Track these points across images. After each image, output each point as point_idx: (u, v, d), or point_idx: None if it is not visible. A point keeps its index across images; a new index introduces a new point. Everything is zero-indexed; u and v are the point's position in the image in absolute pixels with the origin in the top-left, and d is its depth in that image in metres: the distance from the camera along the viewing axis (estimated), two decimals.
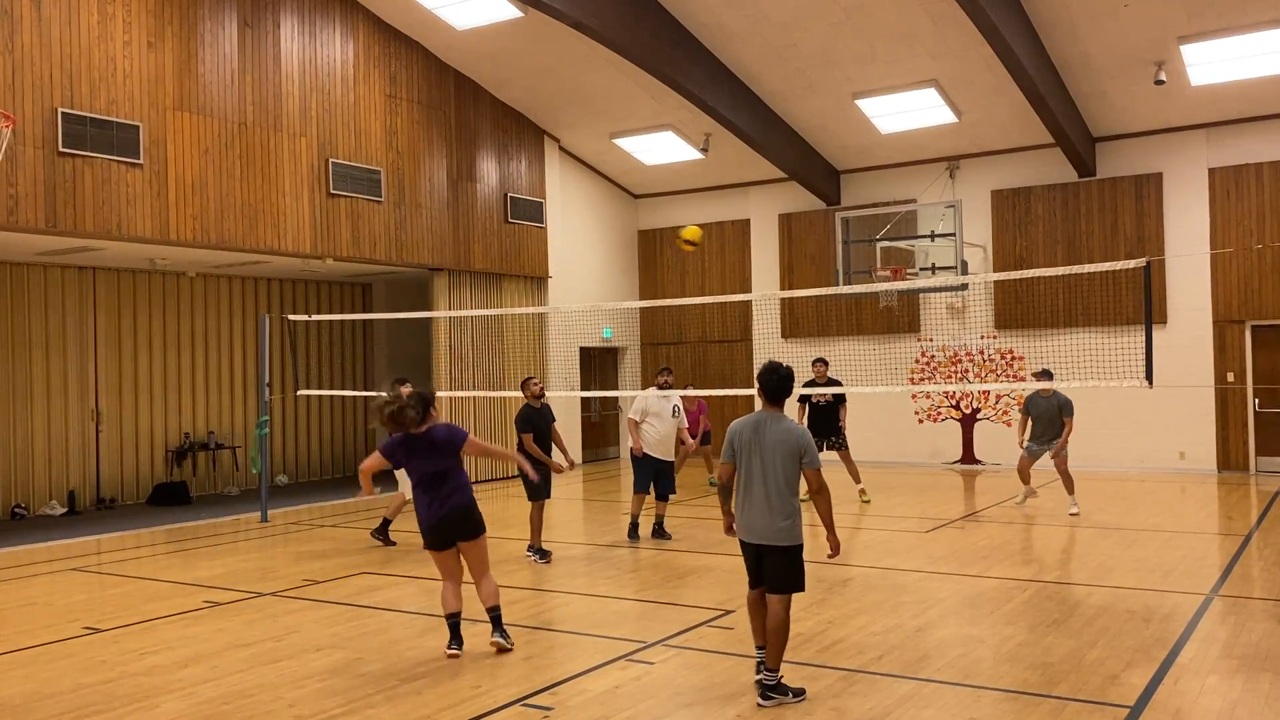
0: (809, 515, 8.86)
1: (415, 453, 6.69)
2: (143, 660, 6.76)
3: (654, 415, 11.06)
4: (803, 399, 13.10)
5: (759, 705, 5.60)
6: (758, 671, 5.82)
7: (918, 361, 17.83)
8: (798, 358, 18.32)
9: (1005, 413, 17.01)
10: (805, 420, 12.90)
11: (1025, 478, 12.44)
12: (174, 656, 6.81)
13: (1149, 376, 9.32)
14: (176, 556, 10.82)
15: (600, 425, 20.32)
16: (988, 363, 17.23)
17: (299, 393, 15.12)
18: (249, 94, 13.43)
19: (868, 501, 12.97)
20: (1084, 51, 14.24)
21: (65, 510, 14.32)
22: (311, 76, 14.26)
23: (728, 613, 7.61)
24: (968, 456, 17.45)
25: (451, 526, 6.66)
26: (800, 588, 5.81)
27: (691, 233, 12.41)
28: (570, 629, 7.61)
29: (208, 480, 16.34)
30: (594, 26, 13.39)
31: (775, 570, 5.77)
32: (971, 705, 5.57)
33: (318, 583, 9.13)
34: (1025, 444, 12.31)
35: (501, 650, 6.69)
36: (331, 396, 18.02)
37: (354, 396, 18.15)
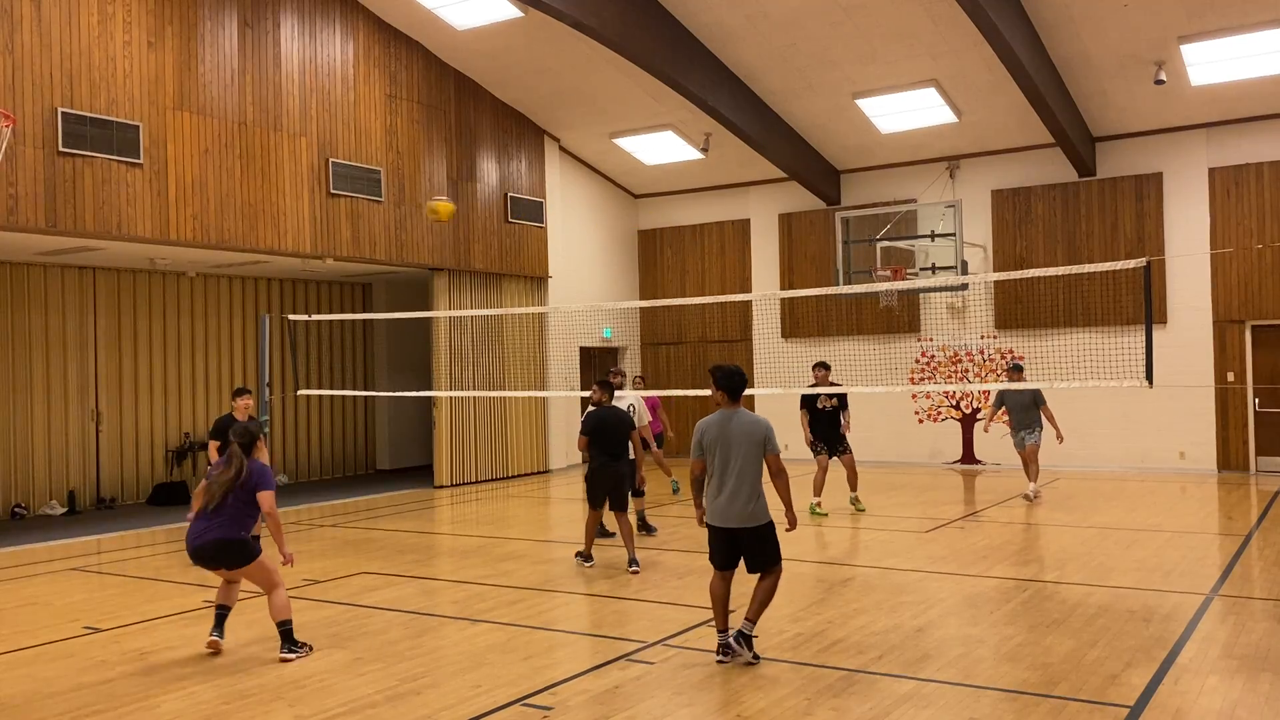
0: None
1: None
2: (143, 660, 6.76)
3: None
4: (805, 402, 12.62)
5: (722, 659, 6.29)
6: (721, 652, 6.37)
7: (917, 361, 17.84)
8: (798, 358, 18.38)
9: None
10: (808, 427, 12.50)
11: (1030, 471, 13.26)
12: (174, 656, 6.81)
13: (1149, 376, 9.32)
14: (176, 556, 10.80)
15: None
16: (988, 363, 17.22)
17: (299, 393, 15.12)
18: (249, 94, 13.43)
19: (862, 510, 12.58)
20: (1084, 51, 14.24)
21: (65, 510, 14.32)
22: (311, 76, 14.25)
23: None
24: (968, 456, 17.45)
25: (210, 557, 6.75)
26: (780, 559, 6.48)
27: (442, 210, 11.89)
28: (570, 629, 7.61)
29: None
30: (594, 26, 13.39)
31: (757, 549, 6.41)
32: (971, 705, 5.57)
33: (318, 583, 9.12)
34: (1011, 434, 13.45)
35: (288, 661, 6.69)
36: (331, 396, 18.03)
37: (354, 396, 18.17)
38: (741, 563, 6.52)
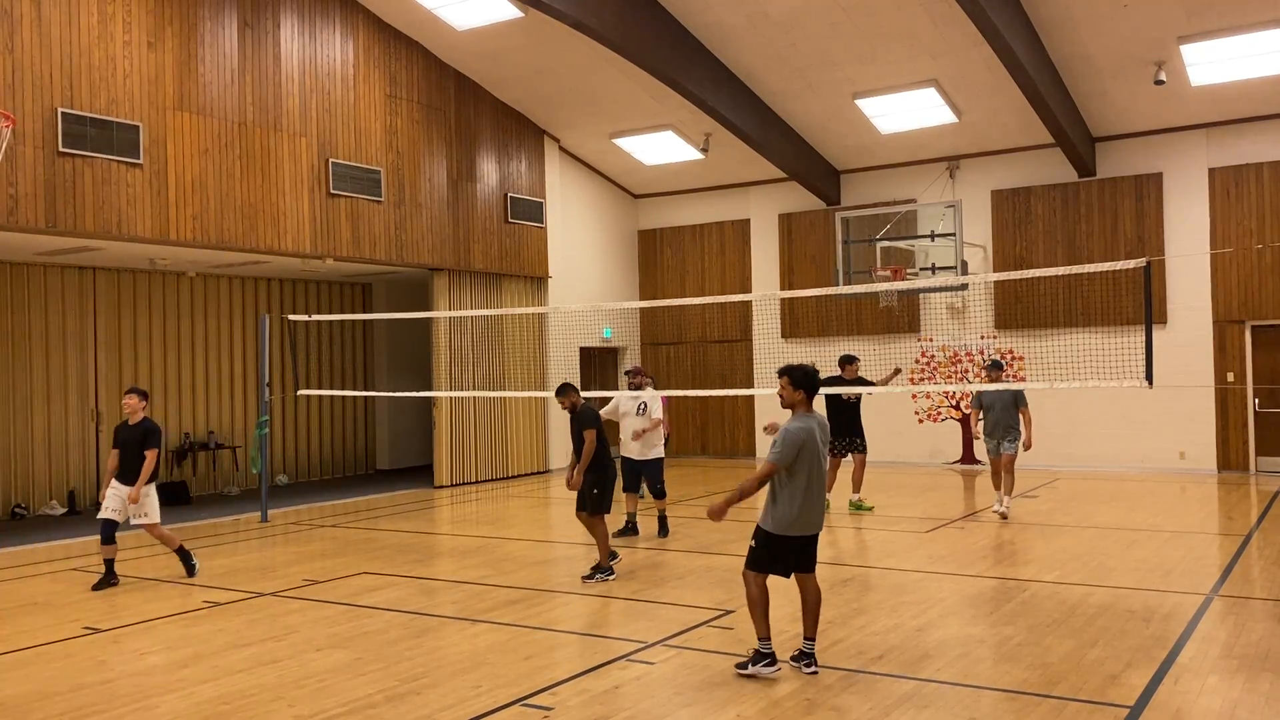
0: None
1: None
2: (143, 660, 6.76)
3: (622, 416, 11.08)
4: (830, 396, 12.50)
5: (809, 672, 6.11)
6: (773, 660, 6.11)
7: (917, 361, 17.83)
8: (798, 358, 18.30)
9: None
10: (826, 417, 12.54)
11: (999, 481, 12.18)
12: (174, 656, 6.81)
13: (1149, 376, 9.33)
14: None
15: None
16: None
17: (299, 393, 15.13)
18: (249, 94, 13.43)
19: (869, 509, 12.57)
20: (1084, 51, 14.23)
21: (65, 510, 14.31)
22: (311, 76, 14.25)
23: (728, 613, 7.61)
24: (968, 456, 17.44)
25: None
26: None
27: None
28: (570, 629, 7.60)
29: (208, 480, 16.32)
30: (594, 26, 13.39)
31: (814, 551, 6.32)
32: (971, 705, 5.57)
33: (318, 583, 9.13)
34: (983, 439, 12.19)
35: None
36: (331, 396, 18.02)
37: (354, 396, 18.17)
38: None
